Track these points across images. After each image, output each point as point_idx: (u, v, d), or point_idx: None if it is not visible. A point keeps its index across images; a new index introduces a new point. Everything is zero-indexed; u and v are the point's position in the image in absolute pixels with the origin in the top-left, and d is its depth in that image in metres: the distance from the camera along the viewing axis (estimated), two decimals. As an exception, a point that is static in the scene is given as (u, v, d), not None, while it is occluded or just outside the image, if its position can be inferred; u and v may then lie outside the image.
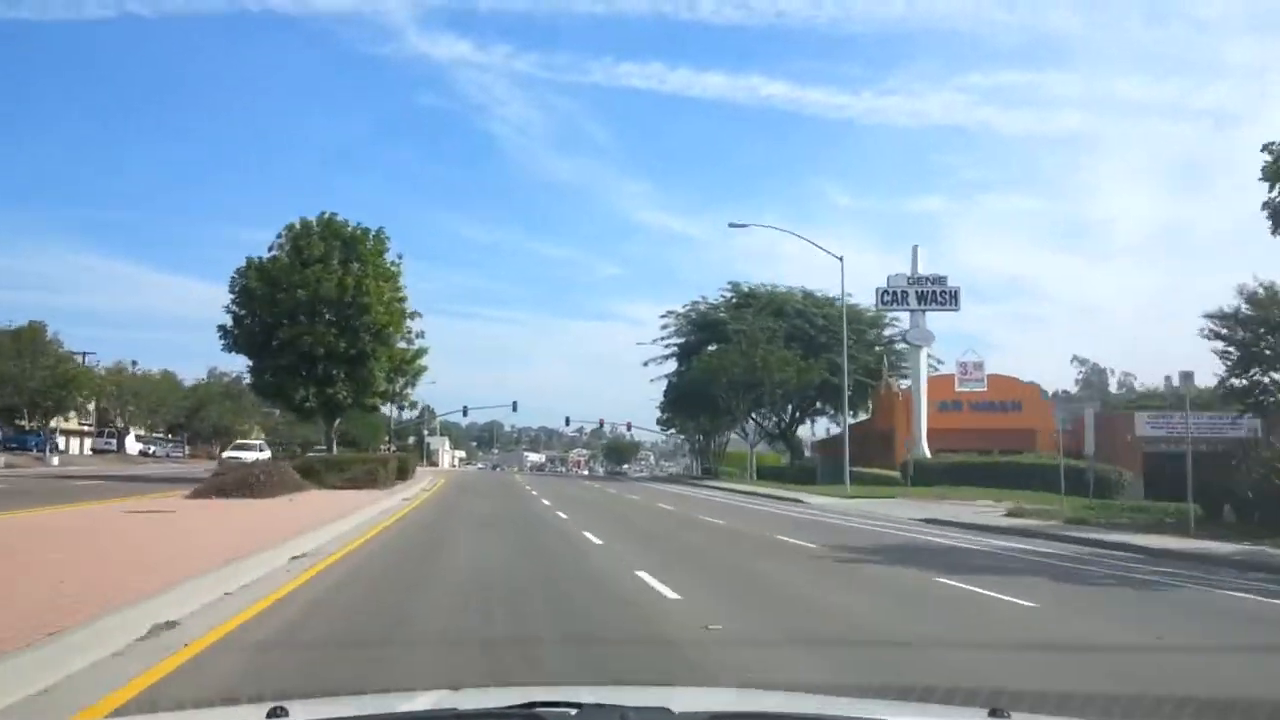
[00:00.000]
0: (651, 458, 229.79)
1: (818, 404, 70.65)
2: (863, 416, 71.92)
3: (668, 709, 2.05)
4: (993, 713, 2.31)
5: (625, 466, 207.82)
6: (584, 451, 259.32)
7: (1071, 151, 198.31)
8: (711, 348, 67.67)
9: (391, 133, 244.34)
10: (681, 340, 73.54)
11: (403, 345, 39.21)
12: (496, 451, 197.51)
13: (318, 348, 36.00)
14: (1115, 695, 6.46)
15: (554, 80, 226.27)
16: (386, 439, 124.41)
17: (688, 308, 74.02)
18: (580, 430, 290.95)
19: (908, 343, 58.49)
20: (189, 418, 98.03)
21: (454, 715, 2.23)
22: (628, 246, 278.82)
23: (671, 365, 76.15)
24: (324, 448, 43.46)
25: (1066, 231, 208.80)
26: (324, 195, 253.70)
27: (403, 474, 43.12)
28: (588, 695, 2.33)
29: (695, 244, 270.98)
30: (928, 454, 54.59)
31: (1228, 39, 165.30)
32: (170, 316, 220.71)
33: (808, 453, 77.83)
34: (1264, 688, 7.39)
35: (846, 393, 51.44)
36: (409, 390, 42.30)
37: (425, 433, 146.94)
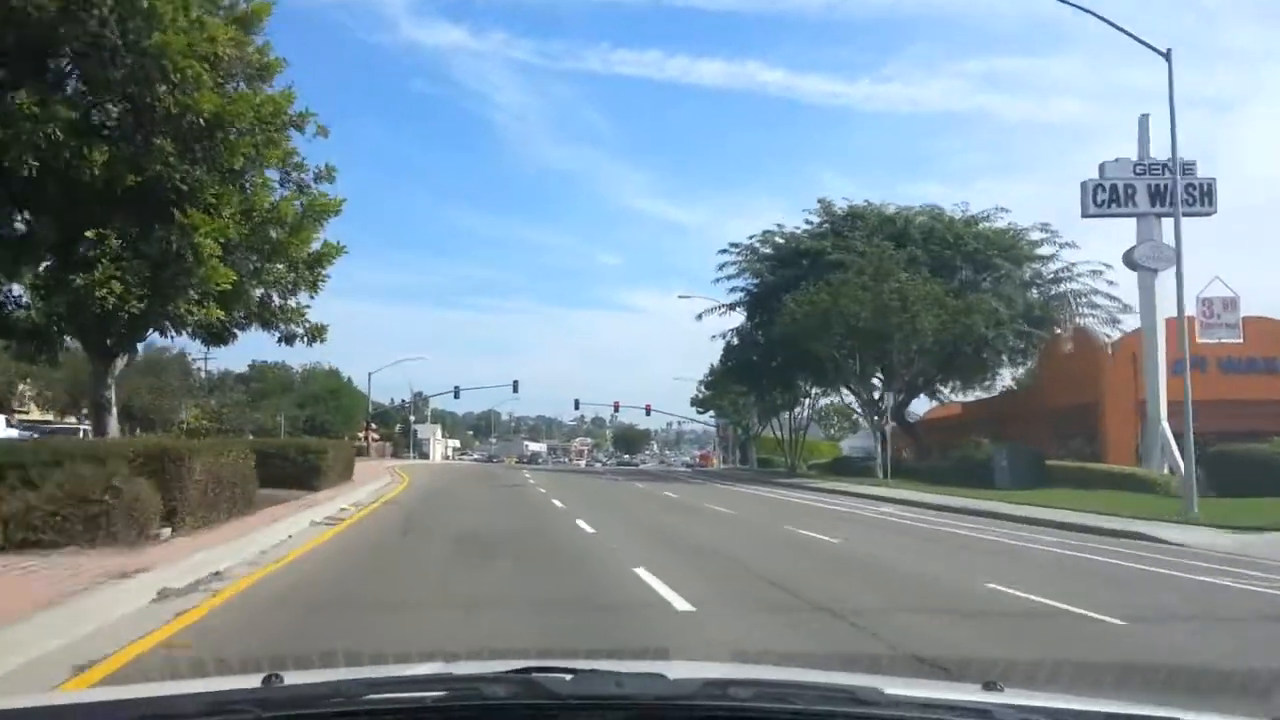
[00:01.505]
0: (655, 446, 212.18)
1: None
2: (999, 384, 50.93)
3: (662, 675, 2.08)
4: (987, 686, 2.32)
5: (637, 457, 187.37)
6: (587, 440, 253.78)
7: (1070, 137, 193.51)
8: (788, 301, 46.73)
9: (387, 121, 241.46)
10: (754, 282, 52.11)
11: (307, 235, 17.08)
12: (494, 441, 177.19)
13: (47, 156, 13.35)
14: None
15: (551, 67, 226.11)
16: (366, 425, 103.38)
17: (756, 240, 52.60)
18: (581, 419, 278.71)
19: (1135, 266, 37.13)
20: None
21: (448, 678, 2.16)
22: (626, 234, 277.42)
23: (732, 321, 54.99)
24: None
25: (1068, 219, 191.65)
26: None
27: (309, 478, 22.14)
28: (583, 664, 2.28)
29: (693, 231, 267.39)
30: (1171, 440, 33.67)
31: (1228, 25, 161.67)
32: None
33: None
34: None
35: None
36: (303, 305, 17.00)
37: (412, 419, 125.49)
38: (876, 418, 43.63)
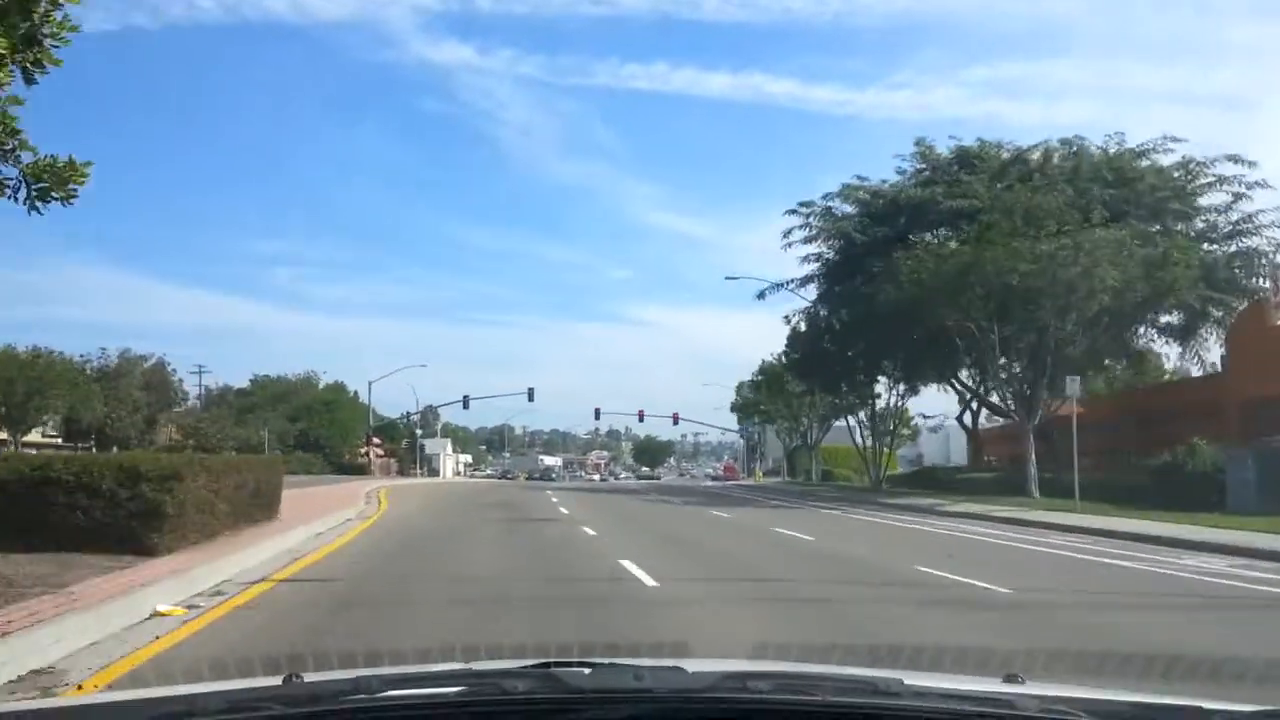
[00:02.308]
0: (671, 460, 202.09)
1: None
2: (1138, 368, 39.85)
3: (680, 668, 2.10)
4: (1008, 678, 2.29)
5: (657, 470, 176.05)
6: (604, 454, 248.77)
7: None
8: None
9: (396, 139, 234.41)
10: (834, 246, 40.84)
11: None
12: (508, 455, 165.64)
13: None
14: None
15: (558, 83, 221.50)
16: (366, 440, 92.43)
17: (833, 198, 41.31)
18: (596, 431, 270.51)
19: None
20: None
21: (468, 674, 2.18)
22: (636, 248, 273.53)
23: (788, 303, 43.82)
24: None
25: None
26: (328, 205, 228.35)
27: (142, 530, 10.99)
28: (602, 660, 2.31)
29: (703, 244, 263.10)
30: None
31: (1231, 23, 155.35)
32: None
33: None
34: None
35: None
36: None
37: (418, 433, 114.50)
38: (1018, 413, 32.19)
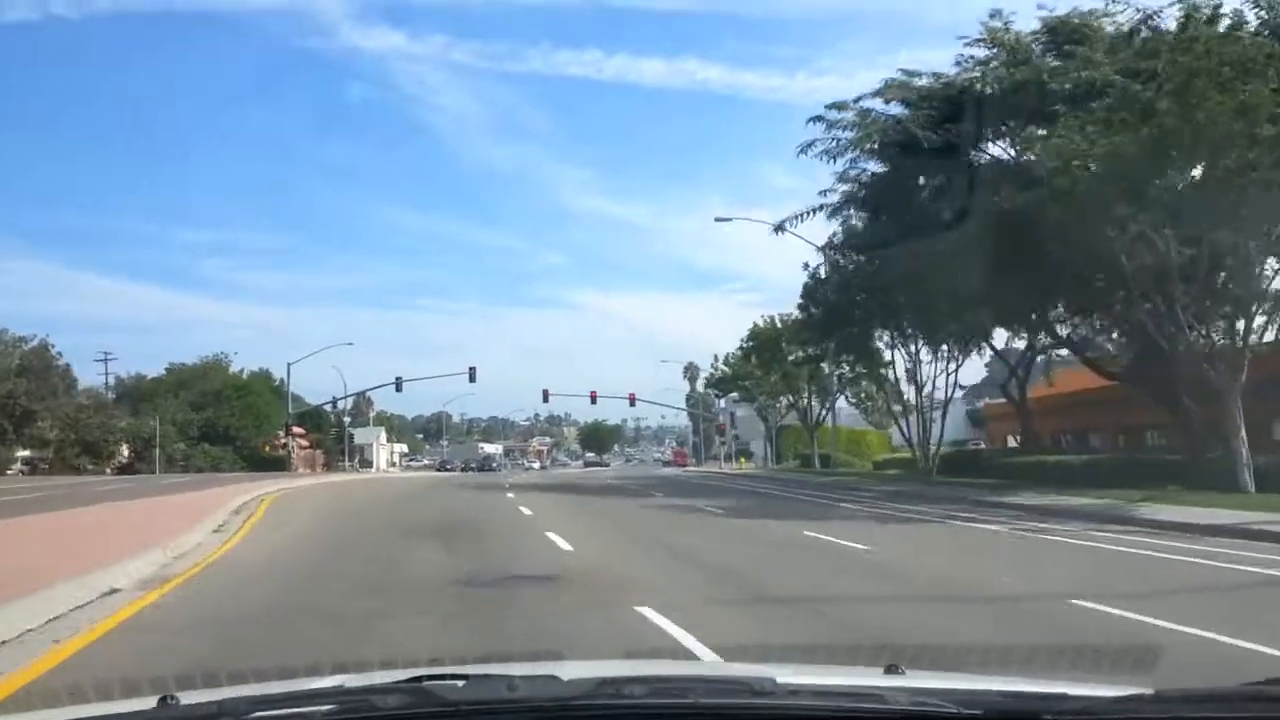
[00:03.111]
0: (616, 446, 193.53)
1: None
2: None
3: (555, 676, 2.05)
4: (889, 669, 2.30)
5: (604, 456, 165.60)
6: (546, 440, 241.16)
7: None
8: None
9: (327, 127, 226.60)
10: (878, 155, 30.48)
11: None
12: (446, 444, 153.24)
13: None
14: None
15: (491, 69, 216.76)
16: (286, 430, 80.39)
17: (869, 98, 30.97)
18: (536, 417, 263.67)
19: None
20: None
21: (339, 691, 2.10)
22: (570, 233, 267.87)
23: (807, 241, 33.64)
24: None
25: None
26: (263, 190, 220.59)
27: None
28: (475, 669, 2.34)
29: (638, 230, 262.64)
30: None
31: None
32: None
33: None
34: None
35: None
36: None
37: (347, 420, 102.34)
38: (1216, 366, 22.08)
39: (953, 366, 35.04)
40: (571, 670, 2.28)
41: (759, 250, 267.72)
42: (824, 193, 32.56)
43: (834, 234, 33.88)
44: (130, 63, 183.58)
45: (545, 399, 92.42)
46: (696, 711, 1.83)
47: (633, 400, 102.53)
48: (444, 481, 44.01)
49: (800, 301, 36.63)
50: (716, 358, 64.58)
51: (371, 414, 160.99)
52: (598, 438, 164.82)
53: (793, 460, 62.10)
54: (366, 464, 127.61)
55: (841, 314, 33.37)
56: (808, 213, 32.85)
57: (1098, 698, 1.94)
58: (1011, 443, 42.58)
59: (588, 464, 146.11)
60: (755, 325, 52.59)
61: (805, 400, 52.92)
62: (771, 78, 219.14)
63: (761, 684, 1.91)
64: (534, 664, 3.36)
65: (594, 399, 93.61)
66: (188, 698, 2.15)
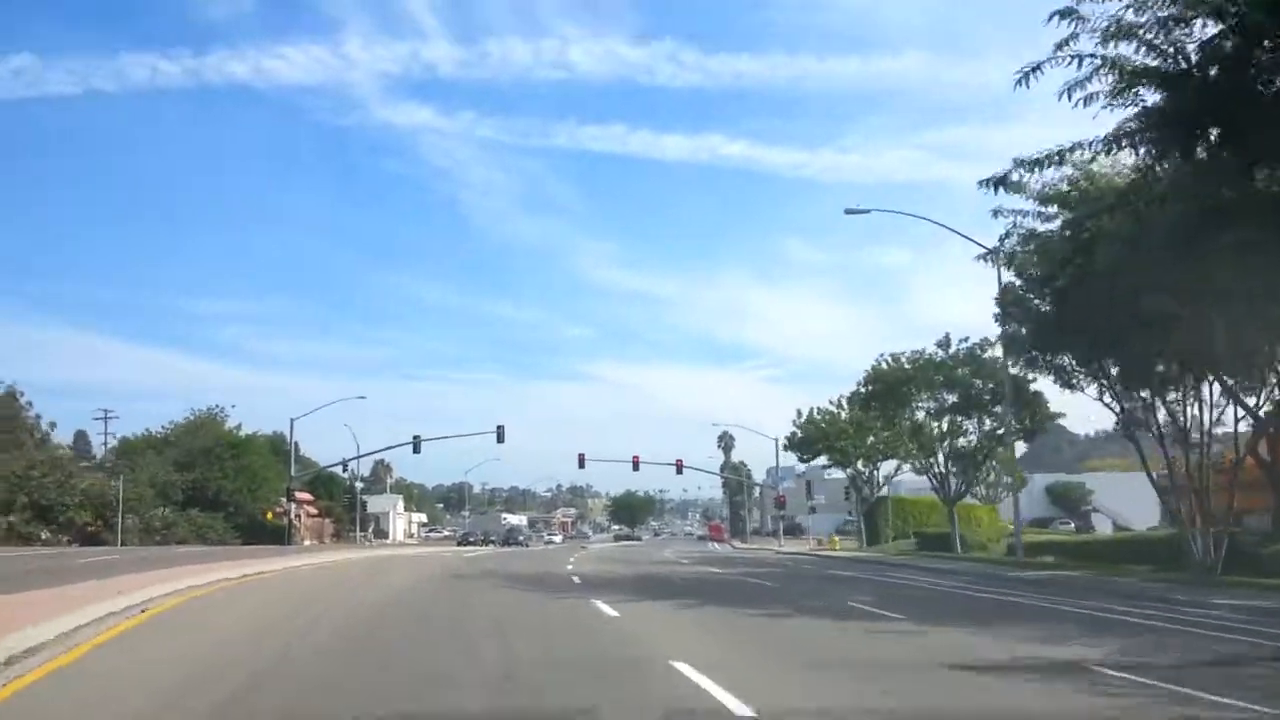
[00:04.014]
0: (650, 519, 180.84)
1: None
2: None
3: None
4: None
5: (638, 529, 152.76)
6: (571, 511, 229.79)
7: None
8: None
9: (358, 201, 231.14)
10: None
11: None
12: (468, 514, 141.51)
13: None
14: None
15: (517, 145, 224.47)
16: (288, 495, 69.10)
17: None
18: (557, 488, 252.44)
19: None
20: None
21: None
22: (594, 307, 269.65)
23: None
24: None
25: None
26: (293, 266, 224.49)
27: None
28: None
29: (660, 303, 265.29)
30: None
31: None
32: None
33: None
34: None
35: None
36: None
37: (358, 485, 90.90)
38: None
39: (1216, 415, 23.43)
40: None
41: (781, 324, 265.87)
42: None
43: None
44: (163, 138, 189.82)
45: (581, 464, 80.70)
46: None
47: (680, 467, 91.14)
48: (470, 565, 32.37)
49: (999, 308, 25.38)
50: (800, 413, 53.01)
51: (390, 481, 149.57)
52: (629, 510, 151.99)
53: (894, 539, 50.32)
54: (382, 534, 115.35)
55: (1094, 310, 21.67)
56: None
57: None
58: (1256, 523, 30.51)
59: (617, 538, 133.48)
60: (876, 366, 41.21)
61: (940, 463, 41.13)
62: (795, 153, 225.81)
63: None
64: None
65: (636, 465, 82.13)
66: None
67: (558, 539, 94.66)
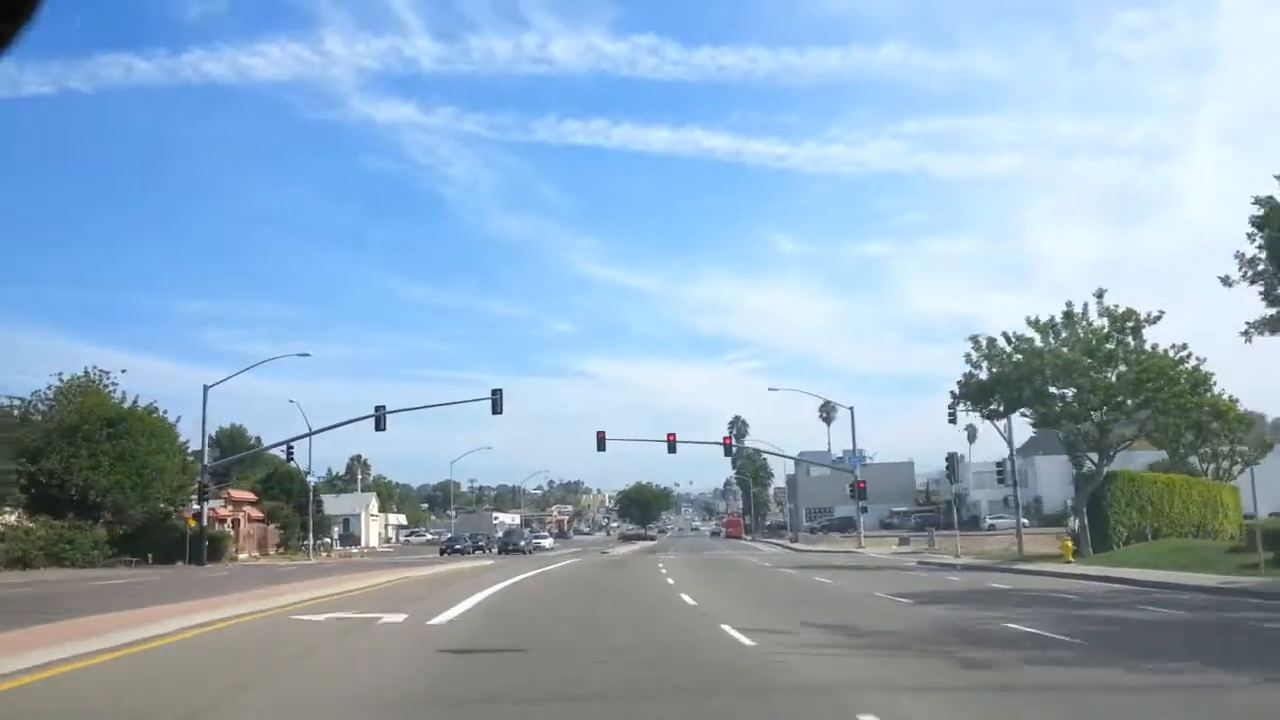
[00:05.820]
0: (663, 514, 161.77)
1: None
2: None
3: None
4: None
5: (651, 527, 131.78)
6: (567, 508, 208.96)
7: (1006, 192, 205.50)
8: None
9: (338, 198, 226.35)
10: None
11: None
12: (454, 514, 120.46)
13: None
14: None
15: (500, 140, 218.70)
16: (199, 490, 48.11)
17: None
18: (550, 484, 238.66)
19: None
20: None
21: None
22: (579, 301, 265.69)
23: None
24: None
25: (1006, 270, 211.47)
26: (277, 268, 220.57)
27: None
28: None
29: (645, 297, 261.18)
30: None
31: (1151, 76, 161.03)
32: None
33: None
34: None
35: None
36: None
37: (311, 480, 69.27)
38: None
39: None
40: None
41: (766, 314, 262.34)
42: None
43: None
44: (139, 136, 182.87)
45: (601, 446, 60.07)
46: None
47: (728, 445, 70.52)
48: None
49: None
50: (979, 342, 32.41)
51: (369, 479, 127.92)
52: (641, 505, 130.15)
53: (1127, 540, 30.49)
54: (351, 540, 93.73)
55: None
56: None
57: None
58: None
59: (625, 537, 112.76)
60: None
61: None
62: (778, 145, 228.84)
63: None
64: None
65: (672, 445, 61.57)
66: None
67: (547, 542, 75.39)
